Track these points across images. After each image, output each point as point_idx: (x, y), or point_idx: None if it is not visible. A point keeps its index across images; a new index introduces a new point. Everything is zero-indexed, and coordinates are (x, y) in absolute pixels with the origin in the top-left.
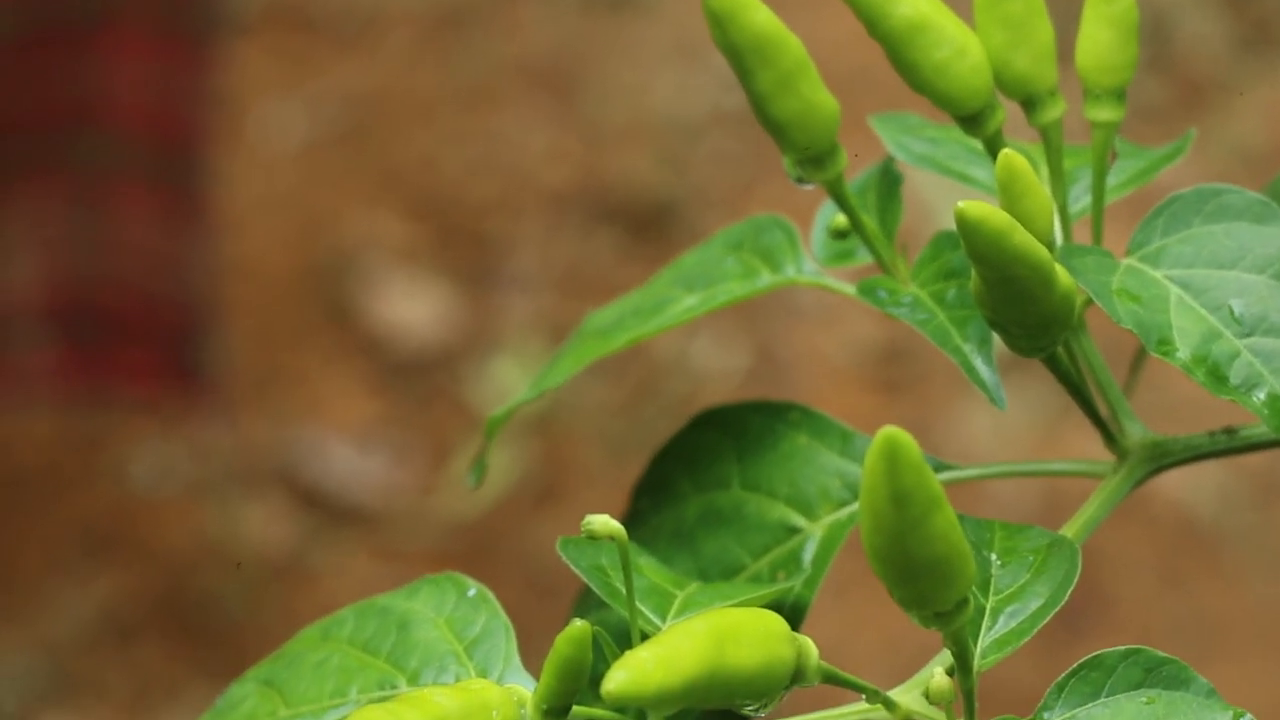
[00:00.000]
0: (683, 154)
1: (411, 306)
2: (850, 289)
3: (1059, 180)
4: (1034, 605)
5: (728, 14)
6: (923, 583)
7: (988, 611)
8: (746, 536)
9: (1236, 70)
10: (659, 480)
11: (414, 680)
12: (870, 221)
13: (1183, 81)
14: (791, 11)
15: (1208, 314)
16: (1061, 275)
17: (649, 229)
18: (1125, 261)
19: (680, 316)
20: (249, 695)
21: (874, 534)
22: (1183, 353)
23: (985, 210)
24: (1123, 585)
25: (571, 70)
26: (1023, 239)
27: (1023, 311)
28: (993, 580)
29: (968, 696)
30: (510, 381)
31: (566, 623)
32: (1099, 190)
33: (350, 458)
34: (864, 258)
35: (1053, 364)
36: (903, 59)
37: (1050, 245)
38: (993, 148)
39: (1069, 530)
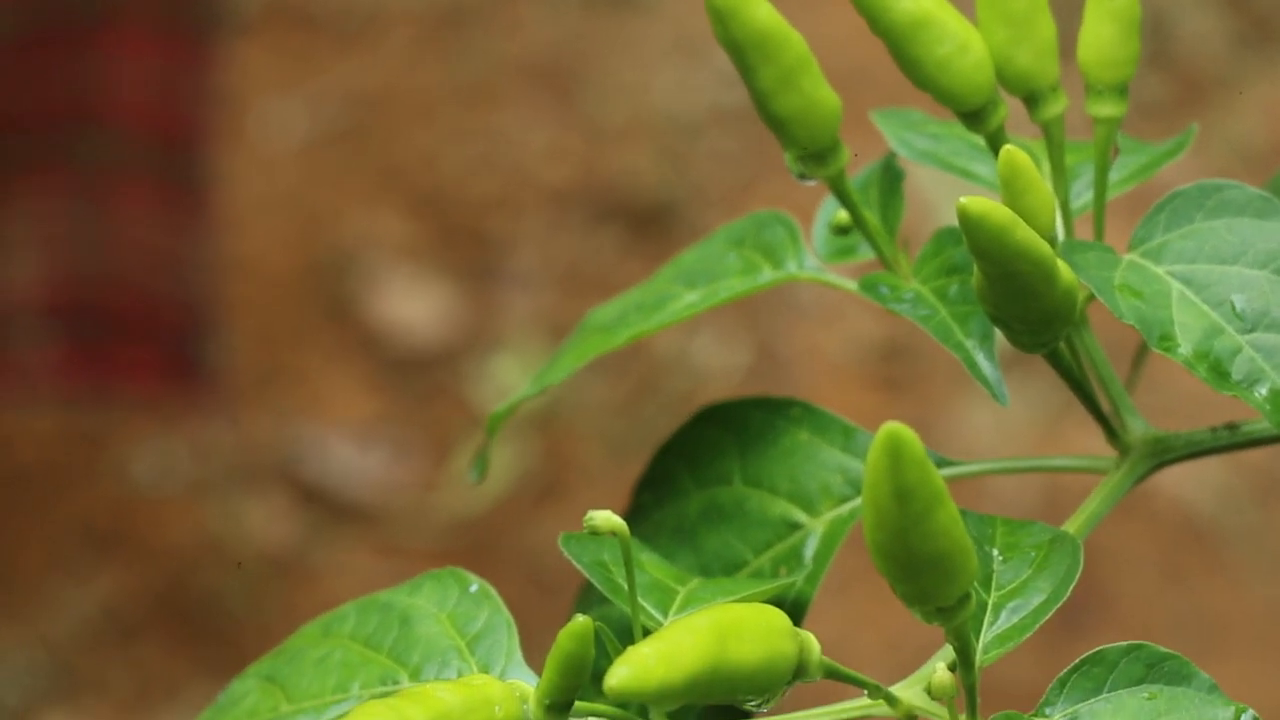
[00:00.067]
0: (683, 152)
1: (412, 304)
2: (852, 285)
3: (1061, 176)
4: (1036, 601)
5: (730, 10)
6: (925, 578)
7: (990, 607)
8: (748, 532)
9: (1237, 67)
10: (661, 476)
11: (416, 676)
12: (872, 217)
13: (1183, 78)
14: (793, 8)
15: (1210, 309)
16: (1063, 271)
17: (649, 227)
18: (1127, 257)
19: (682, 312)
20: (250, 691)
21: (876, 529)
22: (1185, 348)
23: (987, 206)
24: (1124, 582)
25: (572, 68)
26: (1025, 235)
27: (1025, 307)
28: (995, 576)
29: (969, 692)
30: (511, 379)
31: (568, 618)
32: (1101, 186)
33: (351, 455)
34: (866, 254)
35: (1054, 360)
36: (905, 55)
37: (1052, 241)
38: (995, 144)
39: (1071, 526)
